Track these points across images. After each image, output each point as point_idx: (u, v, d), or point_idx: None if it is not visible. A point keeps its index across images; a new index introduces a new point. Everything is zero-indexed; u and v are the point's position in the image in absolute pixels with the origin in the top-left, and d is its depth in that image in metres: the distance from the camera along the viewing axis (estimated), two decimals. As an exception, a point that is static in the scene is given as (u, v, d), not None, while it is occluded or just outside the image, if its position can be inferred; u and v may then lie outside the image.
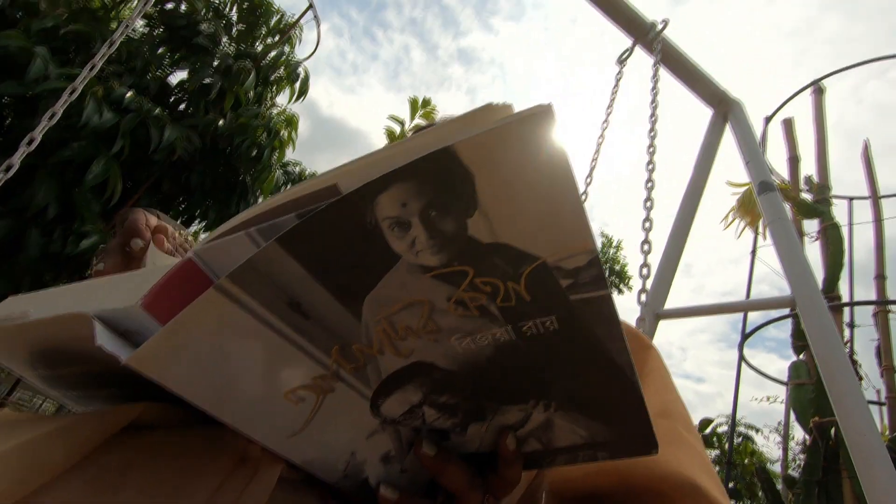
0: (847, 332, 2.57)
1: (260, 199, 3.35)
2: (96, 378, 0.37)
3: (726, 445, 4.86)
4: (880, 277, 2.37)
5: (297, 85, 3.41)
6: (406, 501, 0.36)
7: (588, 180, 1.84)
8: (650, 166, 1.36)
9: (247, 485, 0.32)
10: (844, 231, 2.93)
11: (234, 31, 3.98)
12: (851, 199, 3.42)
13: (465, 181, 0.25)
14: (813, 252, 3.15)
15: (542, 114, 0.24)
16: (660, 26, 2.26)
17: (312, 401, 0.31)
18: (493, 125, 0.25)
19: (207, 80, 2.96)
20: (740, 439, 6.01)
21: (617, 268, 9.32)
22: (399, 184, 0.25)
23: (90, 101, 2.95)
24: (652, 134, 1.45)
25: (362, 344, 0.31)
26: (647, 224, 1.23)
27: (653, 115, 1.53)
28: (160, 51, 3.21)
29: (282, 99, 4.24)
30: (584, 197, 1.88)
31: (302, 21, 4.72)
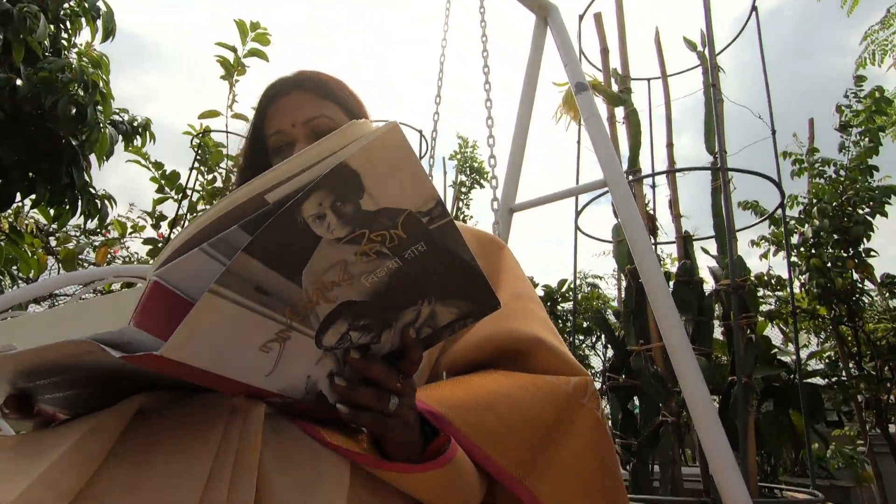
0: (650, 194, 3.21)
1: (94, 163, 2.89)
2: (69, 382, 0.43)
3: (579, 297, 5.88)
4: (669, 145, 2.92)
5: (100, 23, 2.80)
6: (352, 386, 0.49)
7: (438, 100, 1.95)
8: (487, 86, 1.50)
9: (243, 423, 0.42)
10: (645, 113, 3.50)
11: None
12: (649, 80, 4.01)
13: (355, 178, 0.38)
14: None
15: (393, 129, 0.38)
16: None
17: (277, 348, 0.42)
18: (365, 140, 0.37)
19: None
20: (589, 288, 7.23)
21: (476, 165, 9.74)
22: (317, 192, 0.36)
23: None
24: (485, 54, 1.58)
25: (305, 302, 0.42)
26: (491, 141, 1.40)
27: (483, 34, 1.64)
28: None
29: (81, 38, 3.50)
30: (436, 116, 2.00)
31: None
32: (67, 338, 0.34)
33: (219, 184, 4.01)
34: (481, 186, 9.58)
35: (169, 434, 0.40)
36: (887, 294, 3.51)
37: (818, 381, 3.71)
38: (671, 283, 2.56)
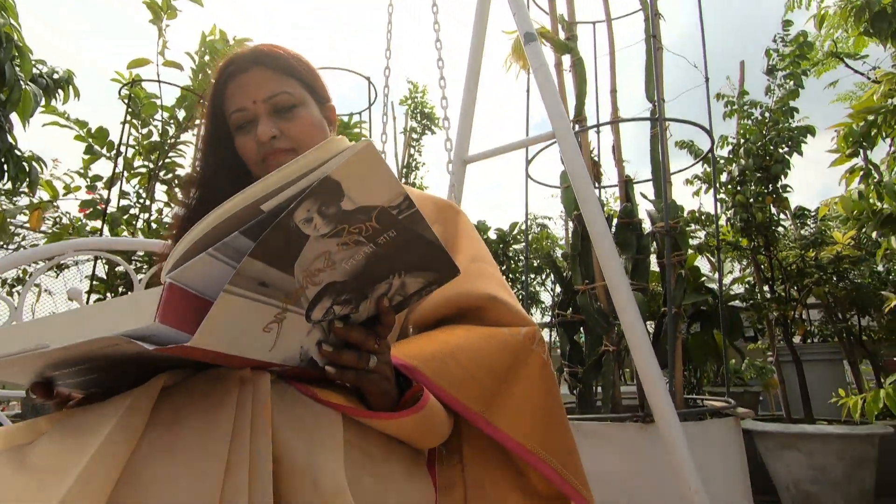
0: (595, 140, 3.32)
1: (17, 123, 2.64)
2: (89, 370, 0.49)
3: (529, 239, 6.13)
4: (613, 91, 3.00)
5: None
6: (337, 350, 0.57)
7: (388, 53, 1.92)
8: (438, 44, 1.50)
9: (253, 390, 0.49)
10: (591, 58, 3.53)
11: None
12: (594, 23, 4.01)
13: (337, 187, 0.44)
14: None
15: (369, 146, 0.44)
16: None
17: (276, 328, 0.49)
18: (345, 155, 0.44)
19: None
20: (539, 229, 7.51)
21: (426, 111, 9.51)
22: (306, 201, 0.42)
23: None
24: (434, 9, 1.55)
25: (296, 288, 0.49)
26: (445, 102, 1.43)
27: (431, -14, 1.62)
28: None
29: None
30: (387, 72, 1.98)
31: None
32: (95, 334, 0.40)
33: (155, 138, 3.77)
34: (433, 132, 9.40)
35: (193, 404, 0.47)
36: (799, 224, 3.91)
37: (738, 303, 4.15)
38: (614, 224, 2.74)
